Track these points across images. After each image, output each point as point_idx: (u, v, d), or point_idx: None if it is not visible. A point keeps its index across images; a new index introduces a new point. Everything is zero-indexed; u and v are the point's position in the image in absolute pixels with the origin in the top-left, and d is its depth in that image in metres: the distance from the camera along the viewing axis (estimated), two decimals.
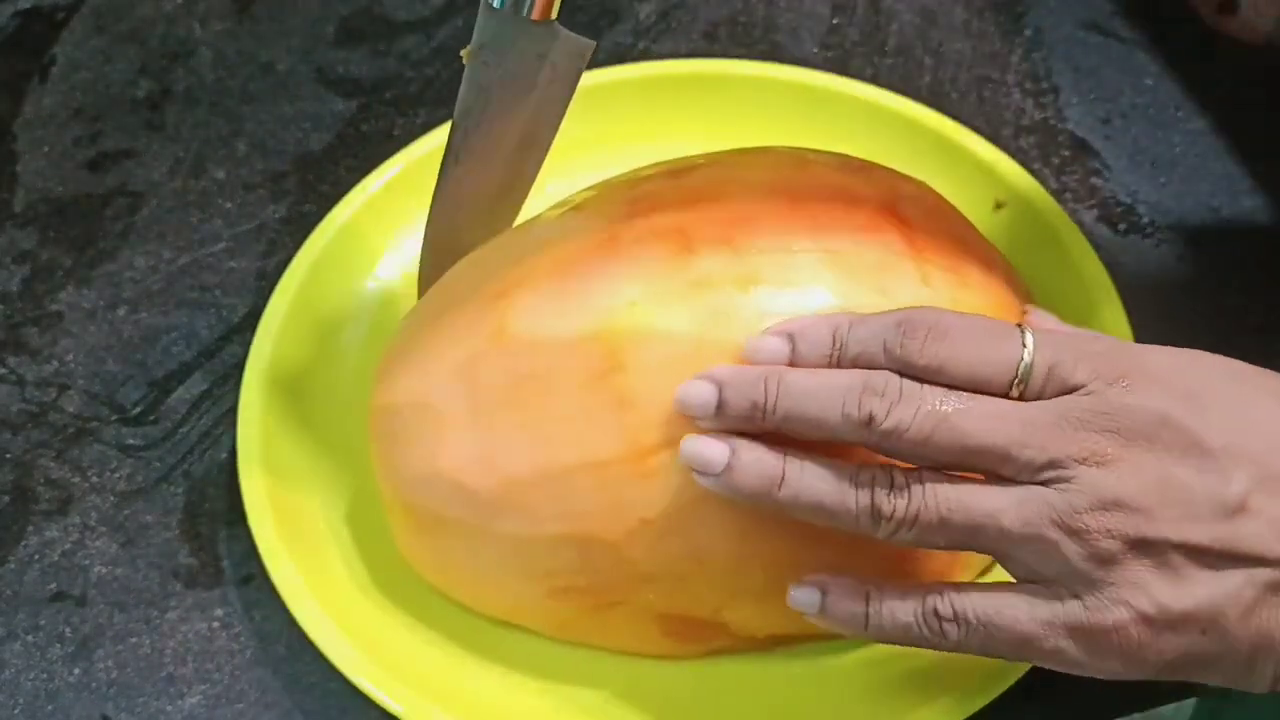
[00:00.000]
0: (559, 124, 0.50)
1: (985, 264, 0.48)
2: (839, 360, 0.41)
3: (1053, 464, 0.38)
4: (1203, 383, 0.40)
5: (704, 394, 0.42)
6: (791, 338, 0.42)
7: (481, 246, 0.51)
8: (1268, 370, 0.41)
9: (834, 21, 0.69)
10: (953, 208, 0.51)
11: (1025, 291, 0.50)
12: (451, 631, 0.49)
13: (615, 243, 0.46)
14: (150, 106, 0.67)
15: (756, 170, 0.49)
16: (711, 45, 0.69)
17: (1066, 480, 0.38)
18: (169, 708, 0.49)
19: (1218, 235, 0.60)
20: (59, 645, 0.50)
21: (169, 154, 0.65)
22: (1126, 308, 0.53)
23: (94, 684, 0.49)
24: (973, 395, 0.40)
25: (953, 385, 0.40)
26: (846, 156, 0.51)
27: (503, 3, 0.47)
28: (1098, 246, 0.56)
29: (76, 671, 0.50)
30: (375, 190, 0.59)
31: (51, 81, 0.69)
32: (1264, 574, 0.38)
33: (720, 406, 0.42)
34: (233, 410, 0.56)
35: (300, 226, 0.62)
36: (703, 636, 0.47)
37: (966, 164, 0.58)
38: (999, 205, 0.57)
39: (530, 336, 0.45)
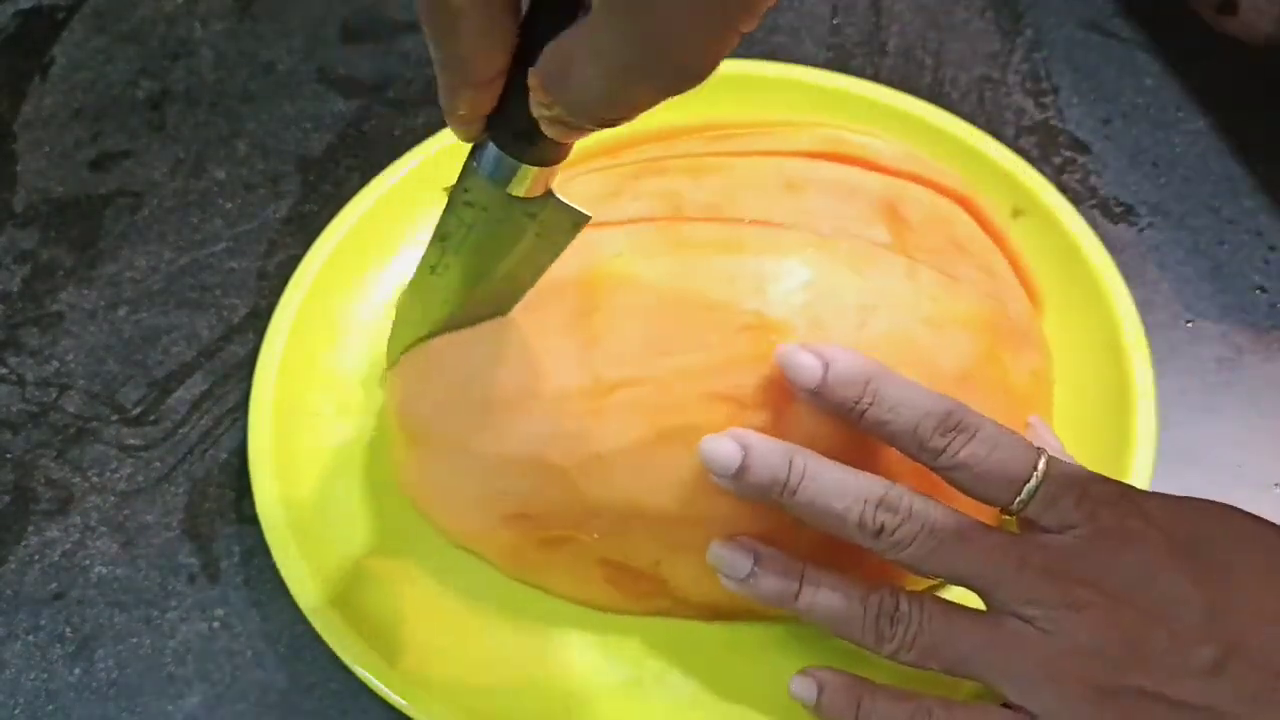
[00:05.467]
0: (542, 272, 0.45)
1: (984, 274, 0.48)
2: (862, 417, 0.42)
3: (1031, 602, 0.41)
4: (1195, 539, 0.41)
5: (729, 454, 0.42)
6: (826, 365, 0.42)
7: None
8: (1269, 525, 0.42)
9: (834, 21, 0.69)
10: (966, 218, 0.51)
11: (1030, 309, 0.50)
12: (455, 628, 0.49)
13: (617, 199, 0.49)
14: (150, 106, 0.67)
15: (781, 147, 0.51)
16: None
17: (1045, 620, 0.40)
18: (169, 708, 0.49)
19: (1218, 235, 0.60)
20: (59, 645, 0.50)
21: (169, 154, 0.65)
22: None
23: (94, 684, 0.49)
24: (975, 523, 0.42)
25: (964, 487, 0.42)
26: (906, 149, 0.52)
27: (492, 172, 0.40)
28: None
29: (77, 671, 0.50)
30: (392, 184, 0.59)
31: (52, 81, 0.69)
32: None
33: (742, 470, 0.42)
34: (233, 410, 0.56)
35: (301, 226, 0.62)
36: (643, 591, 0.48)
37: (984, 170, 0.58)
38: (1017, 213, 0.57)
39: None
